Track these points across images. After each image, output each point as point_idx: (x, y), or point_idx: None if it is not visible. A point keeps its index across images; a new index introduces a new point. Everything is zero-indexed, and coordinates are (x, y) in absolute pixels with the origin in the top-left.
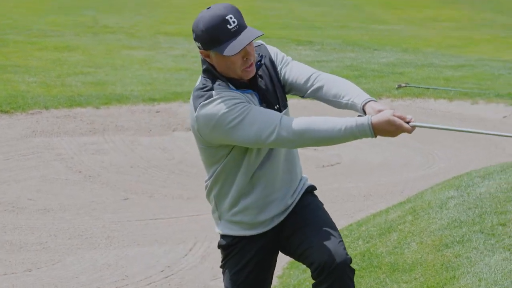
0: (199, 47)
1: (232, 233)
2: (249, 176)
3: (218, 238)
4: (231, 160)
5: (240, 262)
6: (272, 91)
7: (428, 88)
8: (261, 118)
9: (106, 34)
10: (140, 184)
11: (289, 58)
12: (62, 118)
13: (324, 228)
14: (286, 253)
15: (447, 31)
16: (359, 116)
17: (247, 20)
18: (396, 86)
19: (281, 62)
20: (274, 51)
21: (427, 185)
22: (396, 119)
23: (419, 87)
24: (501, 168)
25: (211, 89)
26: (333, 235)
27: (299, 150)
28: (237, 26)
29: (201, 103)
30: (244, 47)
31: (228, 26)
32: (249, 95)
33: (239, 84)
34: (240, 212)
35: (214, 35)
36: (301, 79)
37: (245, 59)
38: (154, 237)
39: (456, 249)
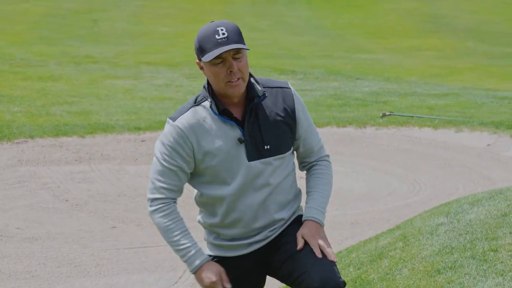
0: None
1: (213, 253)
2: (223, 210)
3: None
4: (197, 189)
5: None
6: (271, 132)
7: (413, 117)
8: (162, 180)
9: (89, 64)
10: (127, 212)
11: (311, 120)
12: (48, 147)
13: (315, 253)
14: (279, 279)
15: (430, 60)
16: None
17: None
18: (381, 115)
19: (306, 121)
20: (301, 103)
21: (413, 213)
22: (213, 278)
23: (404, 116)
24: (490, 195)
25: (187, 110)
26: (326, 260)
27: None
28: (226, 38)
29: (169, 117)
30: (233, 52)
31: (216, 36)
32: (228, 126)
33: (222, 110)
34: (218, 238)
35: (203, 44)
36: (306, 155)
37: (229, 71)
38: (143, 265)
39: (448, 275)
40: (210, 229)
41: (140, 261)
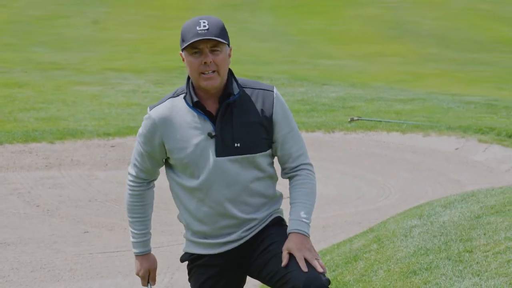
0: None
1: (190, 251)
2: (194, 204)
3: (180, 269)
4: (170, 179)
5: (200, 279)
6: (244, 131)
7: (381, 121)
8: (137, 159)
9: (55, 71)
10: (99, 217)
11: (294, 127)
12: (17, 153)
13: None
14: (262, 280)
15: (393, 65)
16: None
17: None
18: (349, 120)
19: (285, 126)
20: (282, 107)
21: (384, 216)
22: (140, 273)
23: (372, 120)
24: (462, 198)
25: (164, 101)
26: None
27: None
28: (206, 30)
29: (149, 106)
30: (198, 44)
31: (197, 27)
32: (201, 120)
33: (195, 103)
34: (194, 234)
35: (184, 34)
36: (284, 161)
37: (203, 63)
38: (117, 269)
39: (424, 276)
40: (186, 225)
41: (113, 265)
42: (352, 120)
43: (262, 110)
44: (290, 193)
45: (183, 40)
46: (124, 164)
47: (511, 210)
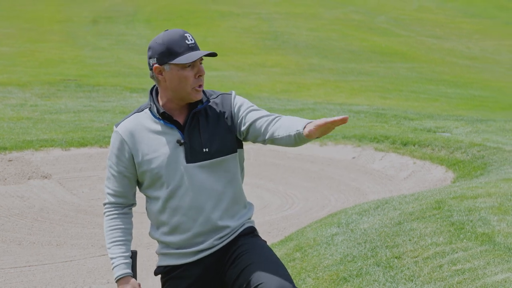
0: (153, 64)
1: (164, 264)
2: (166, 215)
3: (97, 282)
4: (145, 191)
5: None
6: (211, 136)
7: None
8: (109, 185)
9: None
10: (5, 232)
11: (252, 107)
12: None
13: (269, 264)
14: None
15: (276, 76)
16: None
17: (70, 68)
18: None
19: (243, 106)
20: (240, 100)
21: (291, 225)
22: None
23: None
24: (376, 205)
25: (129, 116)
26: (278, 269)
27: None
28: (194, 44)
29: (115, 124)
30: (200, 58)
31: (186, 41)
32: (168, 130)
33: (161, 113)
34: (167, 246)
35: (172, 47)
36: (263, 128)
37: (197, 76)
38: (32, 283)
39: (356, 282)
40: (159, 239)
41: (28, 280)
42: None
43: (224, 111)
44: (280, 129)
45: (173, 53)
46: (24, 178)
47: (431, 216)
